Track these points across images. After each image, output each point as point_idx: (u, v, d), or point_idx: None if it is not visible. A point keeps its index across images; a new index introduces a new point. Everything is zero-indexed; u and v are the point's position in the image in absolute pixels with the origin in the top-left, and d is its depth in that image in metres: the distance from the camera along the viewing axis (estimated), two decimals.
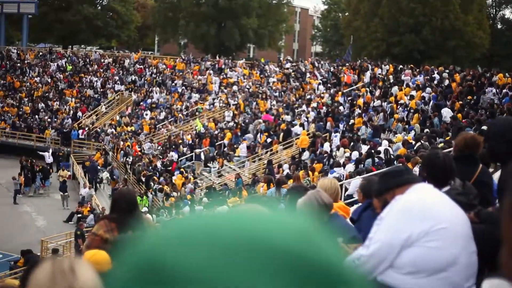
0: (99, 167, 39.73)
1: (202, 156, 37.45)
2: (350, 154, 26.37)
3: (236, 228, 0.91)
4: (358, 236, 5.33)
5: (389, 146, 25.72)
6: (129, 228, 6.07)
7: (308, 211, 5.39)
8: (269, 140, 35.79)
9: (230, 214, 0.97)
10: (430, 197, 3.84)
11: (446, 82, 32.76)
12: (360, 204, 6.96)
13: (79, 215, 32.88)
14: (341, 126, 33.30)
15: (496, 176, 6.09)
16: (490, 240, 3.38)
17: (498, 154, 4.68)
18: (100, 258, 4.97)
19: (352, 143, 28.37)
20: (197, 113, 47.02)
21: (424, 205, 3.75)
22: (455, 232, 3.68)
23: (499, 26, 74.93)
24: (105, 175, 39.12)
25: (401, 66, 41.71)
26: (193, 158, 38.12)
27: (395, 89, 35.76)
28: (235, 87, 50.32)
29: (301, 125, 36.05)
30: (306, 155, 30.79)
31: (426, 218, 3.66)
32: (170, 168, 36.35)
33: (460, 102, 29.12)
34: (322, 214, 5.43)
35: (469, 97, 29.57)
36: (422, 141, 23.09)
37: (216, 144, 39.18)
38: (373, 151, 24.82)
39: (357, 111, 34.60)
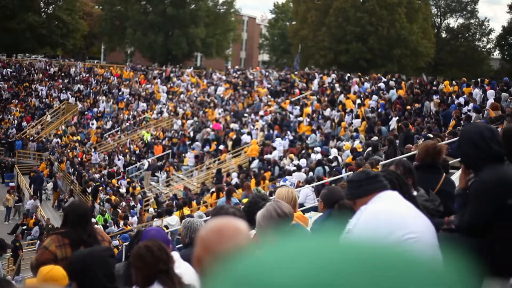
0: (44, 178, 38.90)
1: (146, 165, 37.09)
2: (298, 162, 26.36)
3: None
4: None
5: (338, 154, 25.84)
6: (82, 242, 5.83)
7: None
8: (221, 147, 35.61)
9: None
10: (397, 206, 3.71)
11: (393, 90, 33.02)
12: (321, 214, 6.88)
13: (24, 227, 32.10)
14: (289, 134, 33.30)
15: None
16: (463, 248, 3.27)
17: (470, 161, 4.60)
18: (56, 274, 4.91)
19: (302, 151, 28.40)
20: (144, 122, 46.58)
21: (391, 215, 3.62)
22: (424, 241, 3.56)
23: (443, 35, 76.18)
24: (50, 186, 38.36)
25: (348, 75, 42.03)
26: (141, 168, 37.72)
27: (341, 97, 35.98)
28: (182, 96, 50.05)
29: (249, 133, 35.98)
30: (254, 163, 30.71)
31: (395, 229, 3.52)
32: (117, 178, 35.88)
33: (408, 108, 29.40)
34: (283, 224, 5.26)
35: (416, 105, 29.86)
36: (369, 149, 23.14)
37: (164, 153, 38.84)
38: (324, 159, 24.91)
39: (306, 119, 34.68)
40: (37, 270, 5.26)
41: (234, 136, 36.00)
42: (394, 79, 35.79)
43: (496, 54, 73.89)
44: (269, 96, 43.63)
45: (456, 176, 8.67)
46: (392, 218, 3.59)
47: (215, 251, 2.50)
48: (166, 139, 40.94)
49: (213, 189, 25.90)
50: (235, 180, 27.95)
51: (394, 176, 4.48)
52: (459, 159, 5.26)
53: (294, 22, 74.66)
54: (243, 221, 2.67)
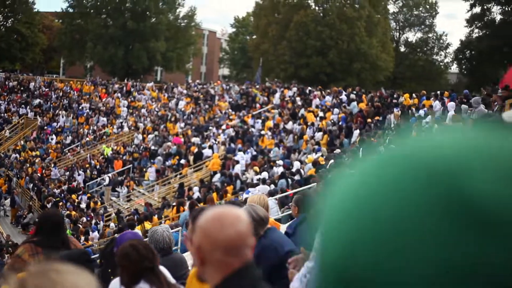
0: (2, 194, 38.25)
1: (107, 181, 36.78)
2: (261, 175, 26.36)
3: None
4: (296, 250, 5.24)
5: (300, 167, 25.92)
6: (56, 250, 5.72)
7: None
8: (183, 161, 35.44)
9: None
10: None
11: (354, 103, 33.26)
12: (295, 219, 6.96)
13: None
14: (251, 148, 33.30)
15: None
16: None
17: None
18: None
19: (265, 165, 28.44)
20: (104, 137, 46.18)
21: None
22: None
23: (402, 49, 77.08)
24: (7, 202, 37.75)
25: (309, 88, 42.24)
26: (102, 183, 37.37)
27: (302, 110, 36.14)
28: (143, 110, 49.77)
29: (211, 147, 35.89)
30: (216, 177, 30.60)
31: None
32: (77, 193, 35.48)
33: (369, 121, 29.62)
34: (259, 228, 5.24)
35: (376, 118, 30.10)
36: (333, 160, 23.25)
37: (125, 168, 38.51)
38: (287, 172, 25.00)
39: (268, 133, 34.74)
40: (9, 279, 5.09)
41: (196, 150, 35.85)
42: (355, 92, 36.06)
43: (454, 68, 74.95)
44: (231, 110, 43.60)
45: None
46: None
47: (216, 239, 2.51)
48: (127, 153, 40.61)
49: (174, 203, 25.79)
50: (197, 194, 27.82)
51: None
52: None
53: (254, 36, 74.79)
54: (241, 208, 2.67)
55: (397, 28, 77.70)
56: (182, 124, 43.56)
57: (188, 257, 6.86)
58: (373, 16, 64.67)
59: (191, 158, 35.47)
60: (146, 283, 4.27)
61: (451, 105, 26.22)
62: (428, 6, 75.90)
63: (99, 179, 38.15)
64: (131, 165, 38.57)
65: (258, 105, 42.73)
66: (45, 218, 6.33)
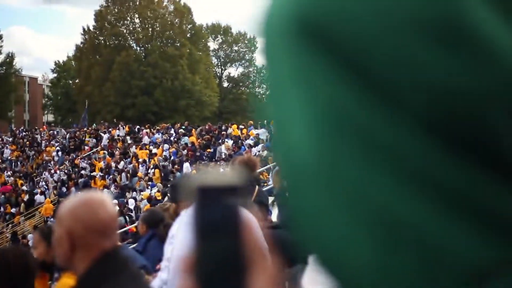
0: None
1: None
2: None
3: None
4: (148, 265, 5.39)
5: (136, 204, 26.14)
6: None
7: None
8: (13, 210, 34.30)
9: None
10: None
11: (186, 138, 33.86)
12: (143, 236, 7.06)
13: None
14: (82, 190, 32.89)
15: None
16: (288, 242, 3.73)
17: None
18: None
19: None
20: None
21: None
22: None
23: (226, 84, 78.91)
24: None
25: (138, 127, 42.38)
26: None
27: (133, 148, 36.23)
28: None
29: (42, 193, 35.05)
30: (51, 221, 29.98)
31: None
32: None
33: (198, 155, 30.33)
34: None
35: (208, 150, 30.85)
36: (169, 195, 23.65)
37: None
38: (121, 210, 25.05)
39: (99, 173, 34.48)
40: None
41: (27, 197, 34.87)
42: (184, 127, 36.69)
43: None
44: (59, 154, 42.74)
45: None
46: None
47: (90, 222, 2.52)
48: None
49: None
50: (31, 242, 27.09)
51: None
52: None
53: (77, 80, 73.71)
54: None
55: (219, 64, 79.64)
56: (10, 173, 42.09)
57: None
58: (195, 54, 65.89)
59: (22, 206, 34.44)
60: None
61: None
62: (246, 42, 78.29)
63: None
64: None
65: (87, 148, 42.21)
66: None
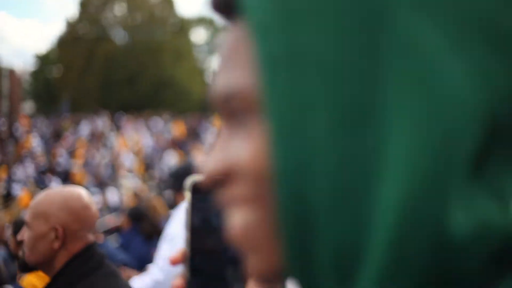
0: None
1: None
2: None
3: None
4: (129, 261, 5.17)
5: (117, 196, 25.52)
6: None
7: None
8: None
9: None
10: None
11: (169, 127, 33.43)
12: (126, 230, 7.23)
13: None
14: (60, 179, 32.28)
15: None
16: None
17: None
18: None
19: None
20: None
21: None
22: None
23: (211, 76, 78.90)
24: None
25: (120, 116, 41.99)
26: None
27: (115, 139, 35.74)
28: None
29: (20, 184, 34.32)
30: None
31: None
32: None
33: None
34: None
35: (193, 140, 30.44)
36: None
37: None
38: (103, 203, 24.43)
39: (79, 162, 33.94)
40: None
41: (4, 188, 34.10)
42: (167, 117, 36.29)
43: None
44: (39, 144, 42.14)
45: None
46: None
47: (83, 217, 2.49)
48: None
49: None
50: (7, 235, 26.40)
51: None
52: None
53: (58, 71, 73.23)
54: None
55: (204, 56, 79.42)
56: None
57: None
58: (179, 45, 65.72)
59: None
60: None
61: None
62: None
63: None
64: None
65: (68, 137, 41.57)
66: None
